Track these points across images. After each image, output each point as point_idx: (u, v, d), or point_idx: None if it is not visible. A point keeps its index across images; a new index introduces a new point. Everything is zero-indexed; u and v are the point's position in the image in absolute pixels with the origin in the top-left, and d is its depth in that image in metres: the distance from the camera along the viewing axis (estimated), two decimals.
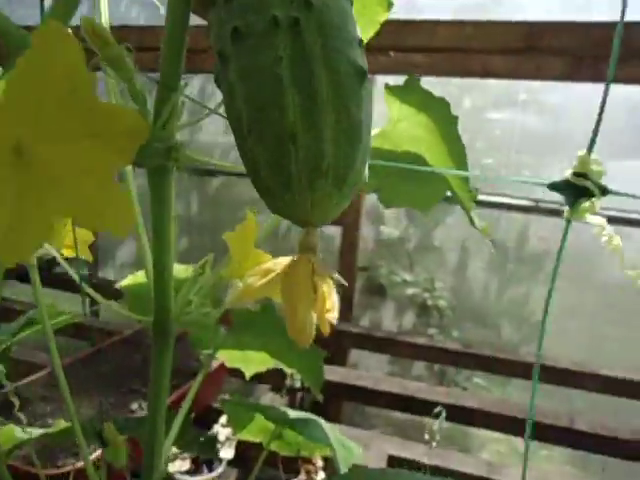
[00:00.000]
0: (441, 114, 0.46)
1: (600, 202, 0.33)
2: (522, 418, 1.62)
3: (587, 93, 2.15)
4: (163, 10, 0.30)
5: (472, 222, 0.49)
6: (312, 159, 0.23)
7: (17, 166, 0.24)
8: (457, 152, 0.47)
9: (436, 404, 1.57)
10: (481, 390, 2.50)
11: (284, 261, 0.33)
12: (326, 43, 0.25)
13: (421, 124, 0.47)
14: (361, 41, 0.27)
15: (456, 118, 0.46)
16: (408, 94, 0.47)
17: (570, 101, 2.33)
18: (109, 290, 0.58)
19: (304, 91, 0.24)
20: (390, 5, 0.48)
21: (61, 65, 0.23)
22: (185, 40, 0.30)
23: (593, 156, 0.30)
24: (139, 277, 0.65)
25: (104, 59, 0.28)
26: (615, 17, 0.31)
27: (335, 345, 1.95)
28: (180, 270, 0.53)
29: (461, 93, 2.30)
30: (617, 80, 1.41)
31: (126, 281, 0.64)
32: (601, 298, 2.33)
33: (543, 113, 2.43)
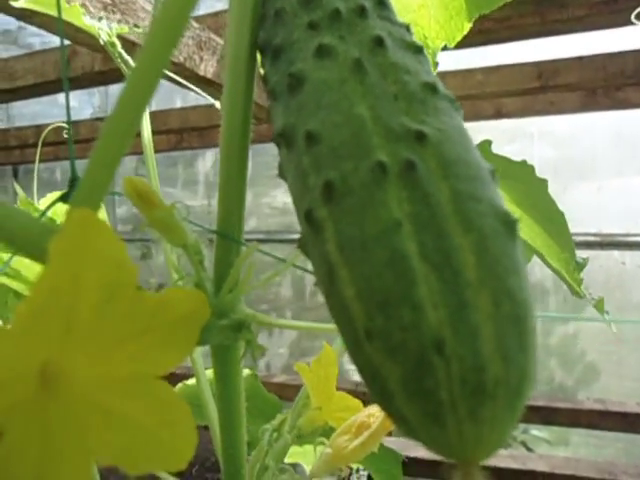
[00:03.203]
0: (525, 179, 0.40)
1: None
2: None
3: (596, 119, 2.11)
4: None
5: (579, 295, 0.41)
6: (470, 374, 0.15)
7: (42, 396, 0.17)
8: (555, 222, 0.40)
9: (504, 471, 1.41)
10: (541, 443, 2.28)
11: (379, 412, 0.25)
12: (455, 188, 0.17)
13: None
14: (493, 171, 0.19)
15: (545, 182, 0.39)
16: None
17: (579, 128, 2.29)
18: None
19: (442, 271, 0.16)
20: (436, 66, 0.45)
21: (98, 257, 0.16)
22: (245, 185, 0.23)
23: None
24: (188, 385, 0.60)
25: (152, 223, 0.21)
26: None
27: None
28: None
29: (473, 134, 2.26)
30: (635, 105, 1.33)
31: (177, 390, 0.60)
32: None
33: (556, 142, 2.38)
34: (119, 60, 0.48)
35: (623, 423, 1.79)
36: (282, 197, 2.78)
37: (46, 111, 2.91)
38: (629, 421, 1.79)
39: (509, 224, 0.17)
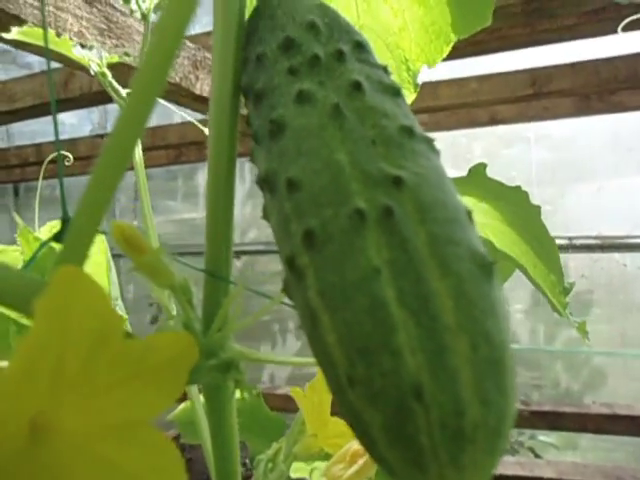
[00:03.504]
0: (518, 202, 0.41)
1: None
2: None
3: (593, 122, 2.12)
4: None
5: (561, 315, 0.41)
6: (450, 419, 0.16)
7: (32, 448, 0.17)
8: (545, 246, 0.40)
9: (511, 478, 1.40)
10: (549, 449, 2.27)
11: None
12: (432, 232, 0.18)
13: (484, 211, 0.41)
14: (470, 212, 0.19)
15: (538, 208, 0.40)
16: (473, 187, 0.41)
17: (576, 131, 2.30)
18: None
19: (421, 317, 0.16)
20: (417, 87, 0.46)
21: (83, 312, 0.17)
22: (232, 224, 0.24)
23: None
24: (187, 406, 0.61)
25: (139, 268, 0.22)
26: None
27: None
28: None
29: (469, 142, 2.28)
30: (630, 108, 1.33)
31: (175, 412, 0.60)
32: None
33: (553, 145, 2.39)
34: (110, 89, 0.49)
35: (631, 427, 1.78)
36: None
37: (45, 129, 2.93)
38: (637, 424, 1.78)
39: (485, 266, 0.18)
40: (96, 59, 0.48)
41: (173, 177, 3.00)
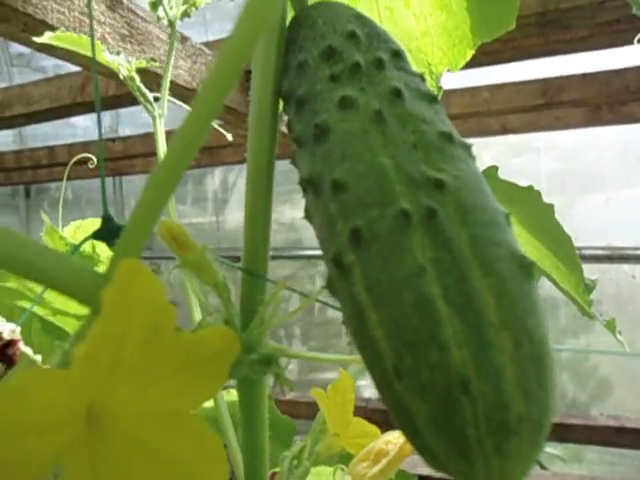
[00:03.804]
0: (531, 203, 0.41)
1: None
2: None
3: (602, 132, 2.12)
4: None
5: (590, 316, 0.41)
6: (495, 411, 0.16)
7: (90, 435, 0.18)
8: (563, 245, 0.41)
9: None
10: (555, 461, 2.25)
11: (397, 439, 0.26)
12: (474, 234, 0.18)
13: None
14: (508, 215, 0.20)
15: (552, 207, 0.40)
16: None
17: (585, 141, 2.30)
18: None
19: (466, 314, 0.17)
20: (440, 90, 0.47)
21: (144, 304, 0.18)
22: (270, 225, 0.25)
23: None
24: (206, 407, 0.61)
25: (185, 265, 0.23)
26: None
27: None
28: None
29: (479, 150, 2.28)
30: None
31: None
32: None
33: (562, 155, 2.39)
34: (138, 93, 0.50)
35: (638, 440, 1.76)
36: (290, 213, 2.79)
37: (58, 131, 2.97)
38: None
39: (525, 267, 0.18)
40: (125, 64, 0.49)
41: (183, 182, 3.02)
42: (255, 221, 0.26)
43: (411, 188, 0.19)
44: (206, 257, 0.23)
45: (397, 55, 0.24)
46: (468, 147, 0.22)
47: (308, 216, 0.22)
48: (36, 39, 0.54)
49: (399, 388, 0.17)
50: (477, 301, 0.17)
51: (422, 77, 0.24)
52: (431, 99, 0.23)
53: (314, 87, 0.23)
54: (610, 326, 0.39)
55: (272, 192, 0.26)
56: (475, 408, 0.16)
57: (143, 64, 0.51)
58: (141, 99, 0.51)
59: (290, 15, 0.28)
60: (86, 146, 2.30)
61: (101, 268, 0.51)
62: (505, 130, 1.76)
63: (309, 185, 0.22)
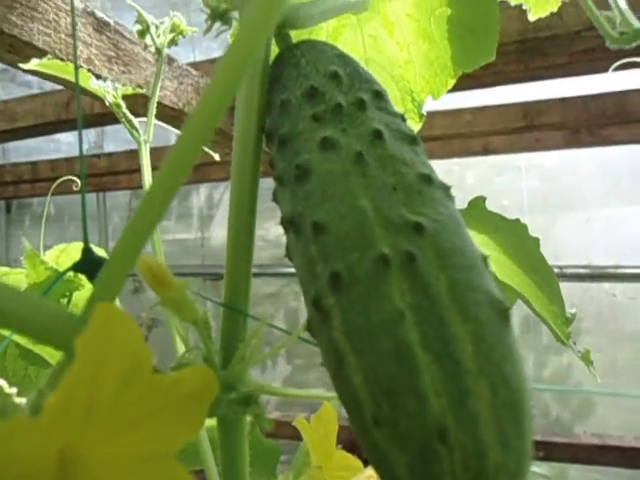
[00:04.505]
0: (517, 234, 0.42)
1: None
2: None
3: (583, 153, 2.18)
4: None
5: (564, 344, 0.42)
6: (473, 460, 0.16)
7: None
8: (545, 277, 0.41)
9: None
10: (540, 479, 2.24)
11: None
12: (453, 278, 0.19)
13: (485, 243, 0.43)
14: (486, 258, 0.21)
15: (537, 240, 0.41)
16: (473, 219, 0.42)
17: (566, 161, 2.35)
18: None
19: (444, 361, 0.17)
20: (422, 117, 0.48)
21: (119, 349, 0.17)
22: (252, 262, 0.25)
23: None
24: None
25: (165, 303, 0.22)
26: None
27: None
28: None
29: (462, 170, 2.32)
30: (619, 142, 1.38)
31: None
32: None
33: (544, 175, 2.44)
34: (124, 119, 0.50)
35: (622, 458, 1.77)
36: (275, 230, 2.79)
37: (42, 146, 2.94)
38: (628, 456, 1.77)
39: (502, 311, 0.19)
40: (111, 91, 0.49)
41: None
42: (237, 256, 0.26)
43: (390, 232, 0.19)
44: (186, 295, 0.23)
45: (378, 95, 0.25)
46: (447, 188, 0.22)
47: (289, 255, 0.22)
48: (23, 66, 0.54)
49: (377, 436, 0.17)
50: (455, 348, 0.17)
51: (403, 117, 0.25)
52: (411, 140, 0.24)
53: (296, 126, 0.24)
54: (585, 358, 0.40)
55: (254, 228, 0.26)
56: (453, 457, 0.16)
57: (129, 91, 0.51)
58: (127, 126, 0.50)
59: (274, 52, 0.29)
60: (69, 162, 2.27)
61: (83, 293, 0.50)
62: (487, 151, 1.79)
63: (290, 225, 0.22)
